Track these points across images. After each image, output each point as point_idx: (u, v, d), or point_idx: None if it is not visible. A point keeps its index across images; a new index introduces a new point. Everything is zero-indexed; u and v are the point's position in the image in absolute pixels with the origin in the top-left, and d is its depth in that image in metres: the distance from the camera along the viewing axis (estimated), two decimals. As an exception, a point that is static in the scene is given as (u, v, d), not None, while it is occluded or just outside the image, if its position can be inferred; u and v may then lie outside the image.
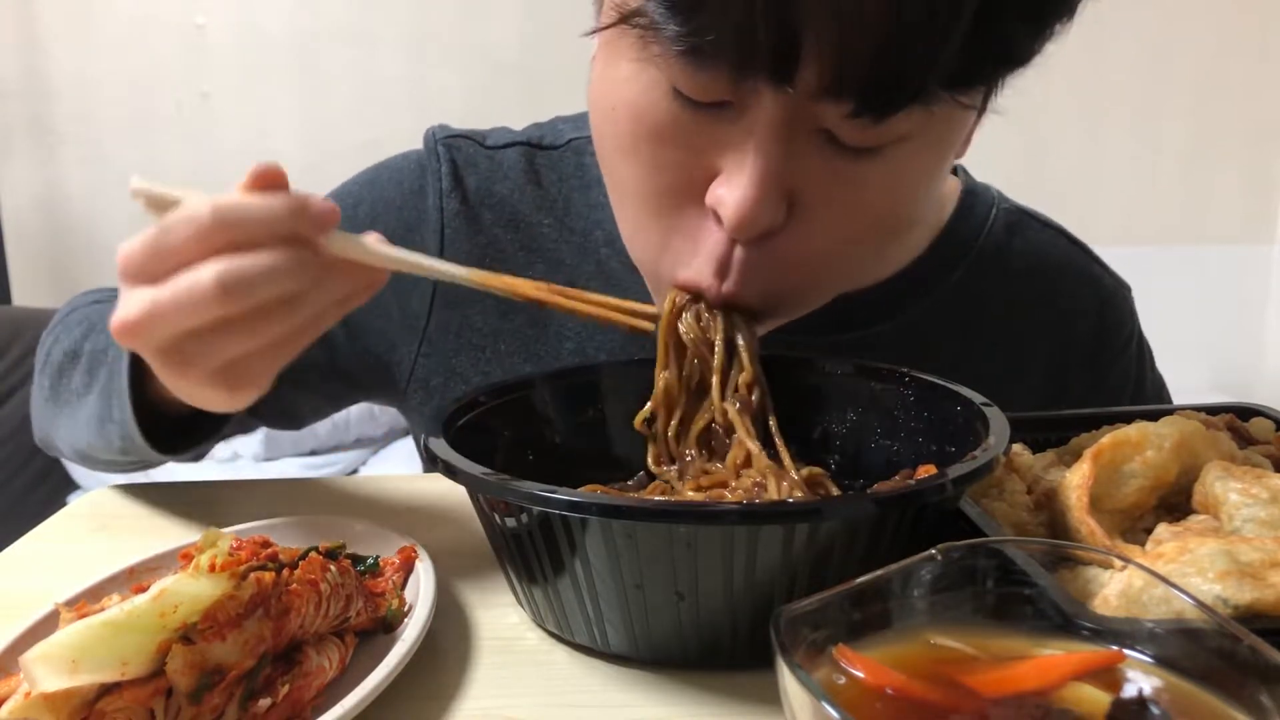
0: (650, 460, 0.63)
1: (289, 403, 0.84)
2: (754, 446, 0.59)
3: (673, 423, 0.62)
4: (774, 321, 0.65)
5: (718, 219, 0.58)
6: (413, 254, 0.56)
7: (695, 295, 0.62)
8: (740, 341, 0.61)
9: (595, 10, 0.62)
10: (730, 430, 0.61)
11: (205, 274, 0.49)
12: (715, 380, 0.61)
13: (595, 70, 0.64)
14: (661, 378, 0.62)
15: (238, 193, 0.51)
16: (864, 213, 0.60)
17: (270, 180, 0.52)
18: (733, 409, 0.60)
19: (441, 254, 0.80)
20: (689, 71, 0.54)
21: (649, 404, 0.63)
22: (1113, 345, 0.87)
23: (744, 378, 0.61)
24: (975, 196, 0.86)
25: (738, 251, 0.59)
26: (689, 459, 0.62)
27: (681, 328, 0.62)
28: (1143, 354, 0.91)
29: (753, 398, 0.61)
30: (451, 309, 0.81)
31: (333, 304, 0.53)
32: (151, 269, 0.50)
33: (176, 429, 0.66)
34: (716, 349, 0.61)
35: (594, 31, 0.61)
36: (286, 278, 0.50)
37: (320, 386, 0.84)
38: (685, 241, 0.61)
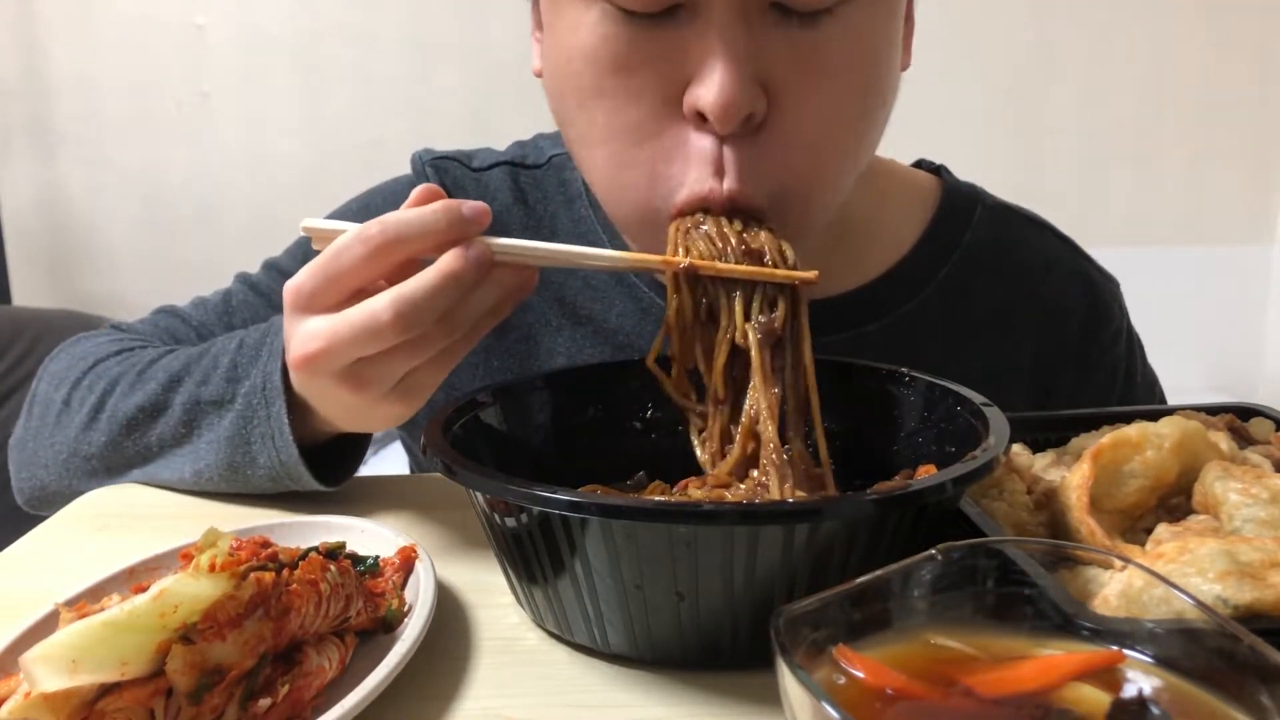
0: (671, 389, 0.61)
1: None
2: (764, 404, 0.56)
3: (696, 353, 0.59)
4: (787, 230, 0.62)
5: (700, 123, 0.60)
6: (561, 245, 0.59)
7: (701, 213, 0.60)
8: (767, 258, 0.58)
9: None
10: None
11: (381, 305, 0.53)
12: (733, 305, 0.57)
13: (544, 41, 0.66)
14: (674, 300, 0.59)
15: (399, 212, 0.56)
16: (836, 83, 0.61)
17: (428, 196, 0.58)
18: (754, 335, 0.57)
19: None
20: None
21: (659, 333, 0.60)
22: (1101, 340, 0.87)
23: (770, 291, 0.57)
24: (960, 194, 0.86)
25: (729, 151, 0.60)
26: (719, 398, 0.58)
27: (695, 255, 0.59)
28: (1133, 348, 0.90)
29: (775, 317, 0.57)
30: None
31: (488, 311, 0.57)
32: (324, 296, 0.55)
33: (322, 459, 0.69)
34: (735, 259, 0.58)
35: None
36: (448, 294, 0.54)
37: None
38: (673, 165, 0.61)
